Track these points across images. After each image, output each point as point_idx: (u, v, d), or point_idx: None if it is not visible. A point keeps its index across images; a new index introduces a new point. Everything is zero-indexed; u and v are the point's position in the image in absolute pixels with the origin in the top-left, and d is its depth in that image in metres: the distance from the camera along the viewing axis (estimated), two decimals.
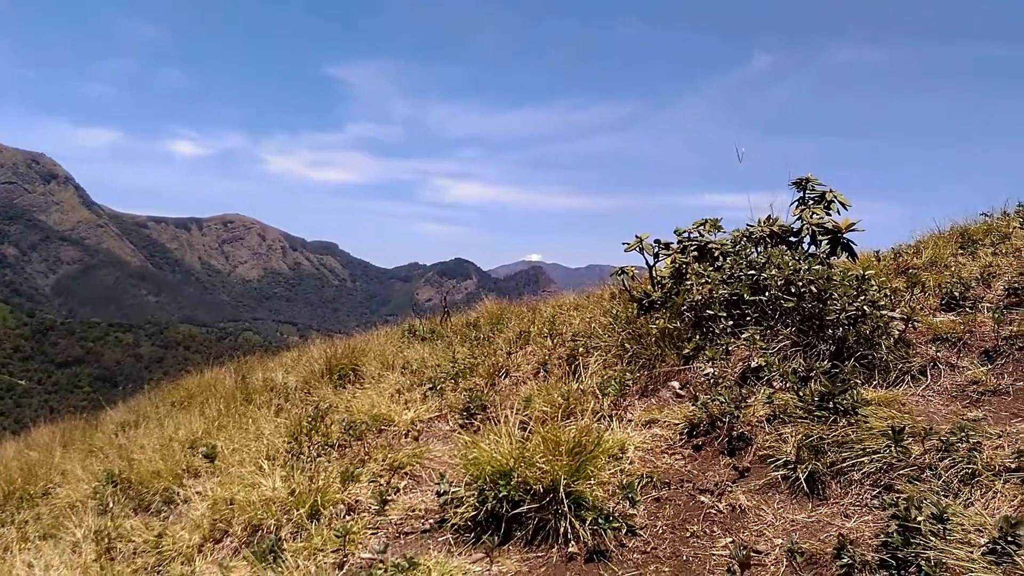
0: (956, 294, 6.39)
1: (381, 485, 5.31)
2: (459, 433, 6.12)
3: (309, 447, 6.27)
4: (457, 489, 4.63)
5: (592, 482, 4.30)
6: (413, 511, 4.92)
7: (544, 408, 5.82)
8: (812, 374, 4.78)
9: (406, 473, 5.66)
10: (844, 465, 4.09)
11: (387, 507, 4.91)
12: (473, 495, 4.52)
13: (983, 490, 3.66)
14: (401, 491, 5.42)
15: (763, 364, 5.46)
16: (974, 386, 4.85)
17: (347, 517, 4.97)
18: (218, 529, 5.48)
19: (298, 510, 5.01)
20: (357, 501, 5.15)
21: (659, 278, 7.20)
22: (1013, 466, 3.73)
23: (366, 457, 5.91)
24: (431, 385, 7.54)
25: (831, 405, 4.37)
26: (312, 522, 4.90)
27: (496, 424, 5.06)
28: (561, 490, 4.16)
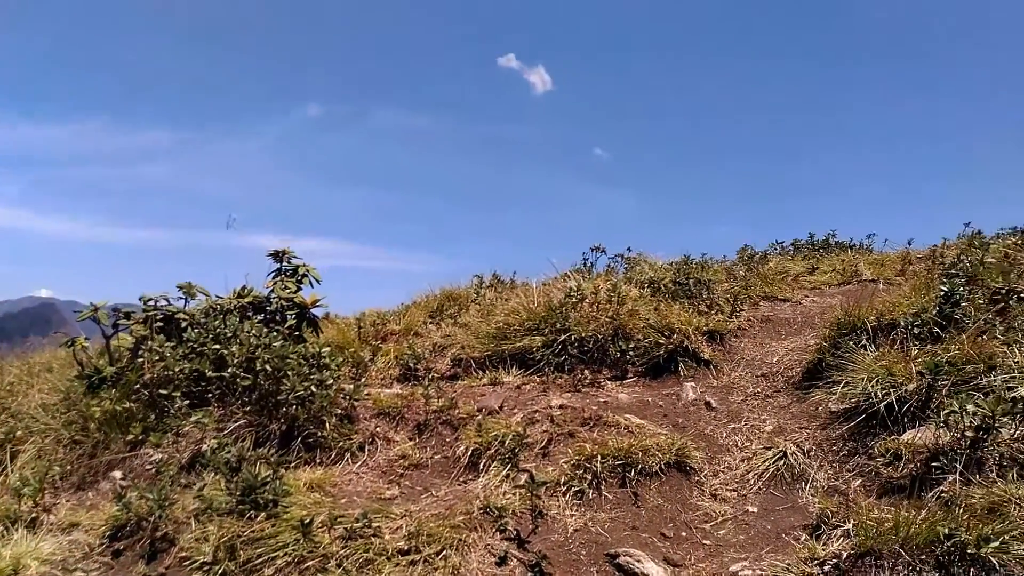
0: (411, 365, 7.02)
1: None
2: None
3: None
4: None
5: None
6: None
7: None
8: (242, 464, 4.70)
9: None
10: (258, 563, 4.05)
11: None
12: None
13: (377, 575, 3.92)
14: None
15: (215, 447, 5.25)
16: (401, 461, 5.30)
17: None
18: None
19: None
20: None
21: (121, 351, 6.57)
22: (405, 548, 4.07)
23: None
24: None
25: (253, 498, 4.33)
26: None
27: None
28: None
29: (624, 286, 7.57)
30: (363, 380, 6.50)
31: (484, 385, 6.42)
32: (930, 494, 4.00)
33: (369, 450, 5.45)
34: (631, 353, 6.53)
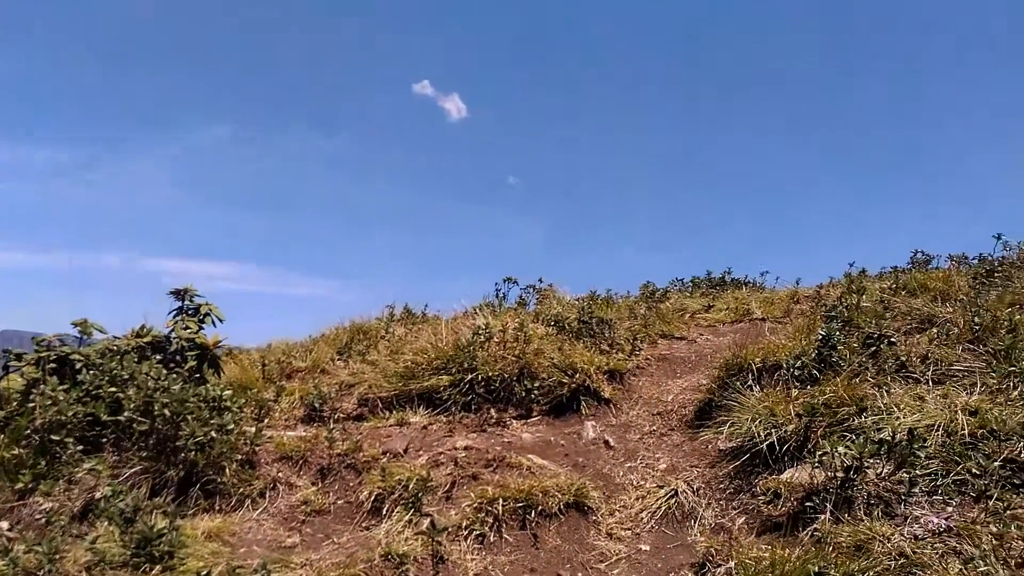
0: (317, 406, 6.99)
1: None
2: None
3: None
4: None
5: None
6: None
7: None
8: (137, 514, 4.61)
9: None
10: None
11: None
12: None
13: None
14: None
15: (109, 495, 5.12)
16: (303, 507, 5.28)
17: None
18: None
19: None
20: None
21: (10, 394, 6.31)
22: None
23: None
24: None
25: (148, 550, 4.26)
26: None
27: None
28: None
29: (531, 324, 7.76)
30: (266, 422, 6.45)
31: (390, 426, 6.46)
32: (804, 532, 4.29)
33: (270, 496, 5.40)
34: (536, 392, 6.71)
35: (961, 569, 3.65)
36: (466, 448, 5.78)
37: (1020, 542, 3.75)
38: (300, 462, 5.77)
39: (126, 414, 5.64)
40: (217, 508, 5.26)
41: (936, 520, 4.16)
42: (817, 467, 4.64)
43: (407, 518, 4.90)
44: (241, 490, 5.36)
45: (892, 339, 5.94)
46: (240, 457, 5.55)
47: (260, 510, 5.28)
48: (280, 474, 5.60)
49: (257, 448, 5.69)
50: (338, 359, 8.88)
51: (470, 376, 6.80)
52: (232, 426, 5.54)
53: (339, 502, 5.34)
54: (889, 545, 3.94)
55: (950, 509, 4.21)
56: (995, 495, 4.13)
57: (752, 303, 9.25)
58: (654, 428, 6.27)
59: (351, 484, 5.49)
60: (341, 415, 6.90)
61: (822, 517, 4.29)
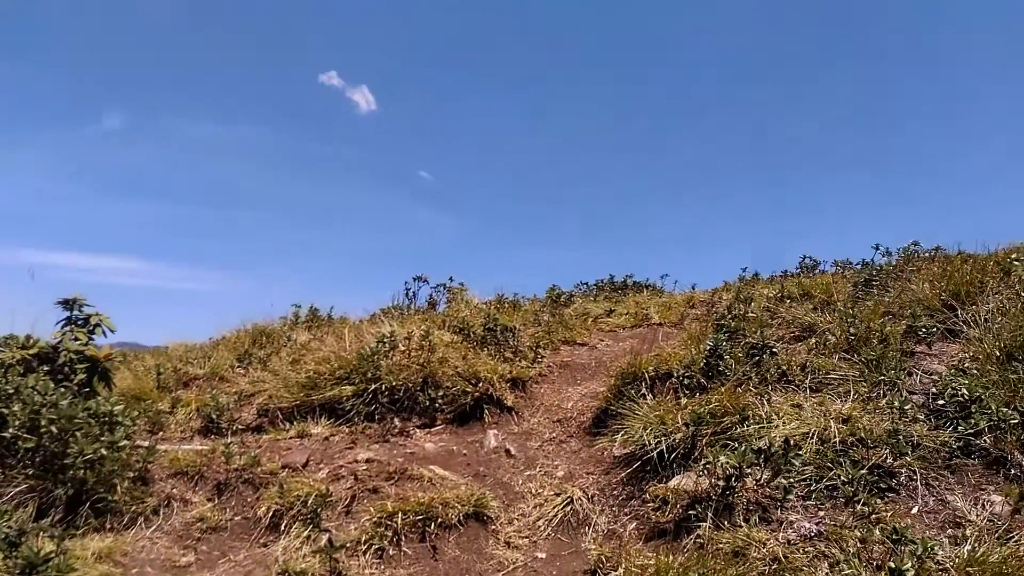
0: (214, 417, 6.86)
1: None
2: None
3: None
4: None
5: None
6: None
7: None
8: (23, 537, 4.45)
9: None
10: None
11: None
12: None
13: None
14: None
15: None
16: (198, 524, 5.19)
17: None
18: None
19: None
20: None
21: None
22: None
23: None
24: None
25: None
26: None
27: None
28: None
29: (437, 332, 7.82)
30: (160, 435, 6.31)
31: (291, 438, 6.41)
32: (689, 538, 4.53)
33: (164, 513, 5.29)
34: (440, 401, 6.78)
35: (828, 572, 3.94)
36: (367, 460, 5.81)
37: (881, 545, 4.07)
38: (196, 477, 5.67)
39: (11, 430, 5.41)
40: (108, 527, 5.12)
41: (808, 525, 4.46)
42: (702, 475, 4.90)
43: (305, 534, 4.90)
44: (134, 508, 5.23)
45: (774, 349, 6.30)
46: (132, 474, 5.41)
47: (154, 528, 5.16)
48: (175, 490, 5.49)
49: (150, 464, 5.56)
50: (238, 366, 8.71)
51: (374, 386, 6.82)
52: (124, 442, 5.39)
53: (236, 519, 5.28)
54: (765, 550, 4.20)
55: (822, 514, 4.52)
56: (862, 500, 4.44)
57: (651, 308, 9.58)
58: (554, 435, 6.45)
59: (249, 500, 5.43)
60: (240, 427, 6.80)
61: (704, 524, 4.54)
